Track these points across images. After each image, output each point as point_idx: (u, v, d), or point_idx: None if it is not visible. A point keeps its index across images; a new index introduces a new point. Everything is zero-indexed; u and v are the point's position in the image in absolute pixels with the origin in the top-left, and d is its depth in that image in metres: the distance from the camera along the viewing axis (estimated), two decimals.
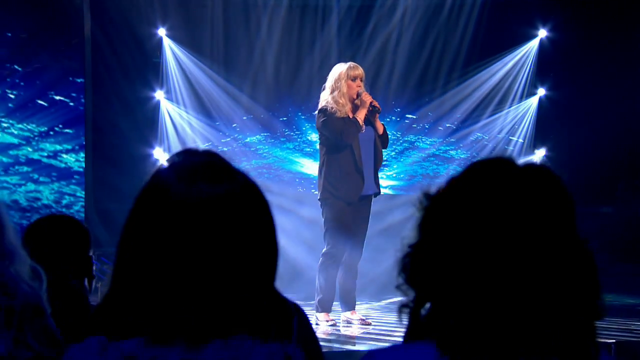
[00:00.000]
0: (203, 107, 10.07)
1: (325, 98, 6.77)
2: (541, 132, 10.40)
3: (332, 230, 6.68)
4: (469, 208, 1.44)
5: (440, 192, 1.50)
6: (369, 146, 6.77)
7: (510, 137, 10.44)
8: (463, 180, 1.49)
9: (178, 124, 10.03)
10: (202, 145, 9.77)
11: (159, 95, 10.06)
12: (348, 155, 6.65)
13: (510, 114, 10.40)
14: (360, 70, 6.75)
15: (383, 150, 6.97)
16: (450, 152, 10.43)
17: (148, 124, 10.02)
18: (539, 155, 10.37)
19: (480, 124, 10.40)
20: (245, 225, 1.58)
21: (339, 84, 6.68)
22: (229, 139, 10.08)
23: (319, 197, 6.76)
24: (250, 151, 10.11)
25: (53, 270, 2.93)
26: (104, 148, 9.98)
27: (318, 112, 6.78)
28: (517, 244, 1.41)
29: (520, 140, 10.41)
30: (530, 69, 10.33)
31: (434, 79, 10.27)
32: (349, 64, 6.78)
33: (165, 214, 1.57)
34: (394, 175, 10.24)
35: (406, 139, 10.32)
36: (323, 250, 6.77)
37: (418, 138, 10.36)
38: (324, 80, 6.96)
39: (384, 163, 7.38)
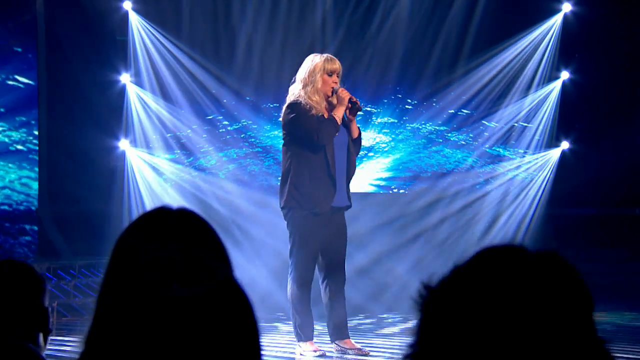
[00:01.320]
0: (177, 93, 9.88)
1: (295, 92, 6.58)
2: (564, 122, 10.27)
3: (299, 246, 6.55)
4: (475, 305, 1.45)
5: (443, 285, 1.50)
6: (342, 152, 6.63)
7: (529, 127, 10.33)
8: (468, 272, 1.48)
9: (147, 112, 9.81)
10: (181, 133, 9.81)
11: (125, 78, 9.81)
12: (320, 159, 6.51)
13: (529, 100, 10.27)
14: (337, 64, 6.58)
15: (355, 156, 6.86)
16: (460, 143, 10.37)
17: (112, 111, 9.79)
18: (562, 148, 10.24)
19: (494, 112, 10.30)
20: (224, 330, 1.59)
21: (313, 77, 6.50)
22: (207, 128, 9.94)
23: (281, 206, 6.59)
24: (232, 139, 10.04)
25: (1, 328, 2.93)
26: (61, 139, 9.82)
27: (286, 107, 6.56)
28: (529, 345, 1.42)
29: (540, 130, 10.29)
30: (552, 49, 10.20)
31: (443, 62, 10.18)
32: (325, 56, 6.60)
33: (135, 314, 1.58)
34: (398, 166, 10.25)
35: (408, 126, 10.27)
36: (290, 270, 6.63)
37: (422, 125, 10.32)
38: None
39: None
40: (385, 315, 8.89)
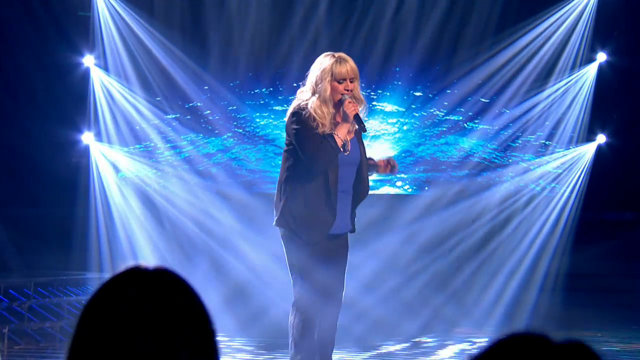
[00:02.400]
0: (148, 79, 9.78)
1: (304, 98, 6.15)
2: (601, 112, 10.15)
3: (299, 273, 6.26)
4: None
5: None
6: (349, 172, 6.20)
7: (560, 118, 10.20)
8: None
9: (114, 100, 9.70)
10: (153, 125, 9.72)
11: (88, 61, 9.67)
12: (319, 180, 6.14)
13: (560, 87, 10.15)
14: (348, 67, 6.09)
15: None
16: (478, 134, 10.23)
17: (74, 99, 9.70)
18: (597, 142, 10.15)
19: (518, 100, 10.18)
20: None
21: (320, 86, 6.05)
22: (186, 118, 9.85)
23: (274, 223, 6.26)
24: (214, 129, 9.99)
25: None
26: (12, 131, 9.80)
27: (291, 114, 6.15)
28: None
29: (573, 122, 10.18)
30: (587, 27, 10.09)
31: (459, 44, 10.08)
32: (335, 57, 6.12)
33: None
34: (404, 159, 10.13)
35: (416, 114, 10.18)
36: (294, 299, 6.34)
37: (434, 114, 10.24)
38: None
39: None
40: (419, 340, 8.97)
